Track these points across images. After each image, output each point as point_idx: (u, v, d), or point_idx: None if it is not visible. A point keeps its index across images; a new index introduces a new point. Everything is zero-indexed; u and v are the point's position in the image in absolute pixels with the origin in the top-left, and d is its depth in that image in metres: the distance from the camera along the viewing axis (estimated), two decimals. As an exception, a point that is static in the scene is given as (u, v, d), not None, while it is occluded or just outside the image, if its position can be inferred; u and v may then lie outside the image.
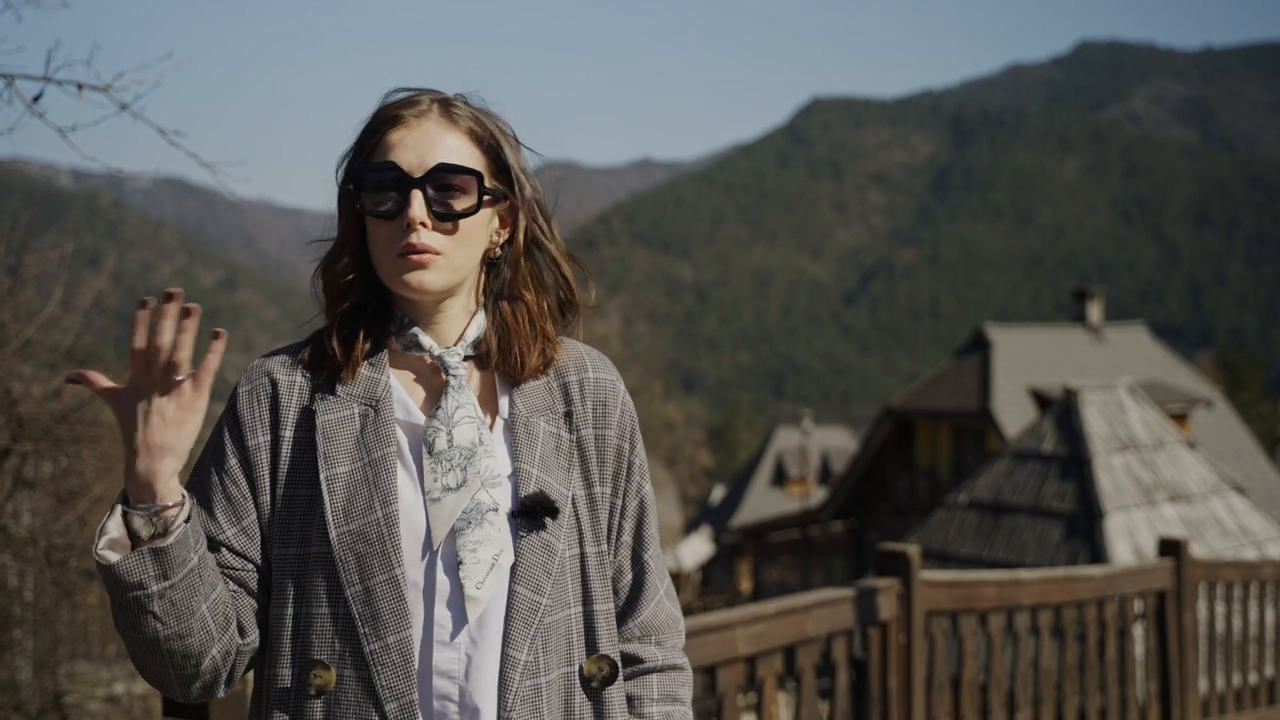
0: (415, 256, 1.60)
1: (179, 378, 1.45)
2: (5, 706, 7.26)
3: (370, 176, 1.62)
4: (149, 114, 4.18)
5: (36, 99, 3.90)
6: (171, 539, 1.46)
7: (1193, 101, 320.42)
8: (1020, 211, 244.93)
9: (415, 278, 1.61)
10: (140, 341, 1.42)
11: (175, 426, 1.46)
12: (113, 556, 1.45)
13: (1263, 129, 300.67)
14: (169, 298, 1.41)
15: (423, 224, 1.61)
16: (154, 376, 1.44)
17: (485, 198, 1.66)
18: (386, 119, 1.66)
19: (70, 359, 7.90)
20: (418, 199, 1.61)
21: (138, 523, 1.47)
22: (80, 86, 3.92)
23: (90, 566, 7.31)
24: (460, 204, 1.64)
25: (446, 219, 1.63)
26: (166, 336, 1.42)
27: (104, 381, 1.47)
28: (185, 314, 1.42)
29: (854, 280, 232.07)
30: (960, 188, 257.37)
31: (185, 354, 1.44)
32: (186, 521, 1.49)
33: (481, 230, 1.68)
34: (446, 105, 1.69)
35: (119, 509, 1.48)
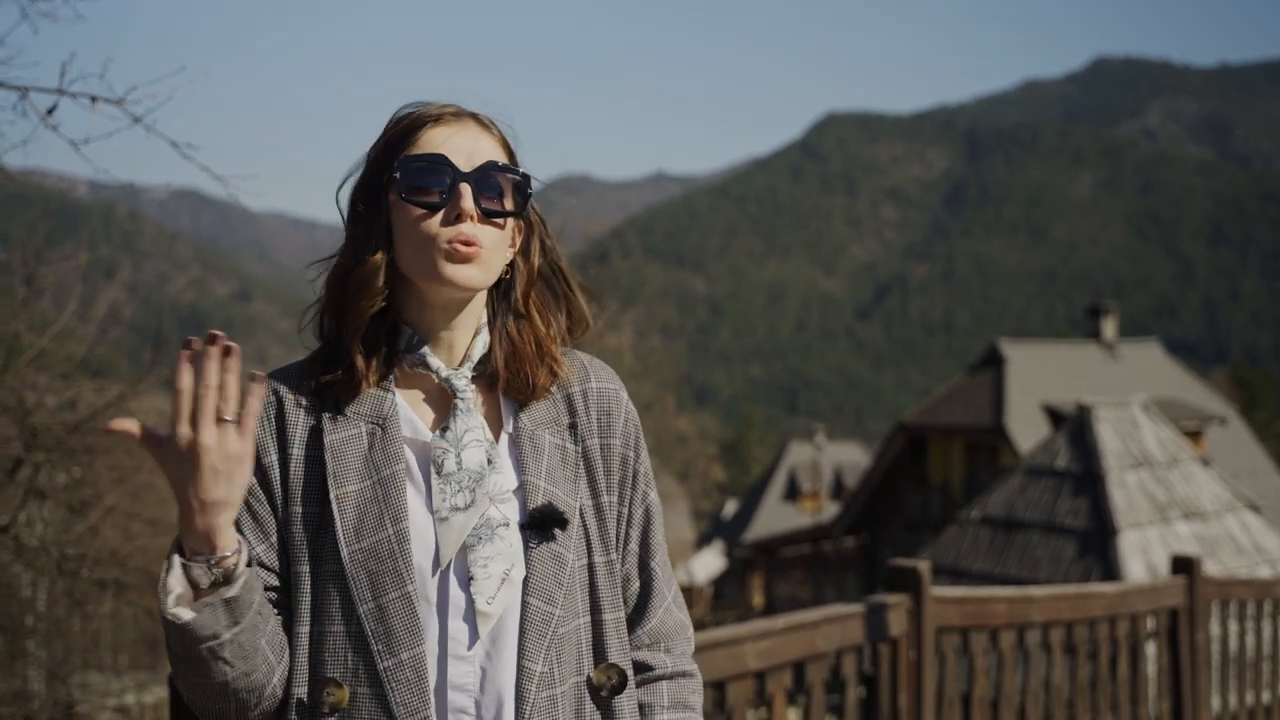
0: (464, 249, 1.59)
1: (226, 418, 1.43)
2: (17, 716, 7.27)
3: (417, 166, 1.61)
4: (162, 126, 4.20)
5: (50, 111, 3.93)
6: (239, 586, 1.47)
7: (1208, 118, 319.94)
8: (1035, 227, 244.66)
9: (460, 271, 1.60)
10: (185, 382, 1.41)
11: (226, 479, 1.44)
12: (185, 614, 1.45)
13: (1279, 145, 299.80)
14: (213, 339, 1.40)
15: (471, 217, 1.60)
16: (199, 420, 1.42)
17: (530, 199, 1.68)
18: (425, 118, 1.66)
19: (84, 370, 7.93)
20: (468, 191, 1.60)
21: (197, 573, 1.46)
22: (94, 99, 3.94)
23: (102, 577, 7.33)
24: (507, 203, 1.65)
25: (494, 215, 1.63)
26: (212, 377, 1.41)
27: (147, 433, 1.44)
28: (227, 353, 1.42)
29: (868, 295, 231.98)
30: (975, 203, 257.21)
31: (231, 392, 1.43)
32: (249, 565, 1.50)
33: (509, 237, 1.69)
34: (476, 115, 1.70)
35: (177, 562, 1.46)
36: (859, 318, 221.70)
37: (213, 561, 1.46)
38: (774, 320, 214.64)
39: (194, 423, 1.42)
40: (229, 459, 1.43)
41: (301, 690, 1.58)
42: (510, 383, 1.69)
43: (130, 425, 1.41)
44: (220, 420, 1.43)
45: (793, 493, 45.71)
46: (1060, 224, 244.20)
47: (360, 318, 1.63)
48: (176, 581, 1.46)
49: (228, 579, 1.47)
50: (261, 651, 1.52)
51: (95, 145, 4.15)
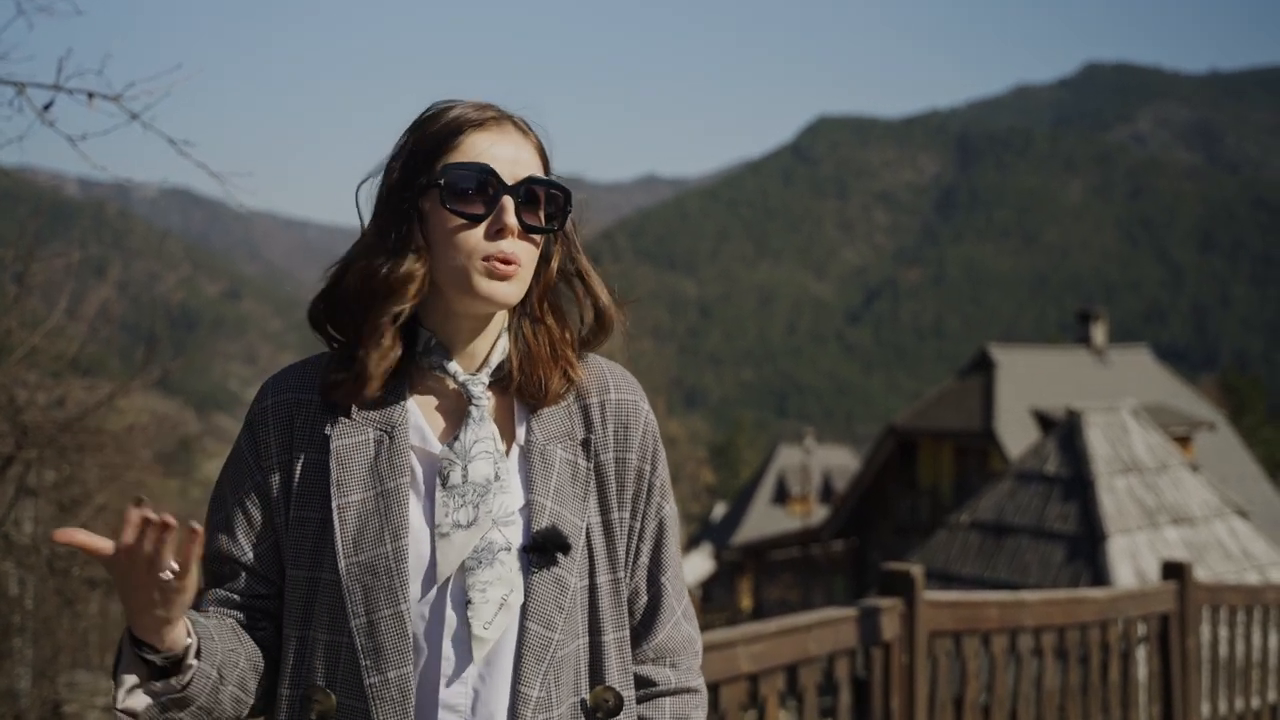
0: (503, 267, 1.56)
1: (164, 576, 1.36)
2: (5, 715, 7.25)
3: (462, 175, 1.57)
4: (158, 124, 4.17)
5: (47, 107, 3.90)
6: (188, 681, 1.45)
7: (1199, 124, 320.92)
8: (1025, 232, 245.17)
9: (499, 289, 1.57)
10: (126, 539, 1.34)
11: (165, 605, 1.39)
12: (137, 705, 1.43)
13: (1268, 152, 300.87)
14: (145, 522, 1.33)
15: (512, 232, 1.57)
16: (136, 564, 1.35)
17: (569, 213, 1.64)
18: (466, 121, 1.60)
19: (75, 368, 7.90)
20: (511, 206, 1.57)
21: (150, 658, 1.44)
22: (91, 95, 3.91)
23: (92, 575, 7.30)
24: (547, 218, 1.61)
25: (534, 231, 1.60)
26: (147, 545, 1.34)
27: (98, 544, 1.36)
28: (164, 527, 1.33)
29: (858, 299, 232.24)
30: (966, 208, 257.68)
31: (167, 555, 1.35)
32: (198, 656, 1.47)
33: (541, 249, 1.65)
34: (514, 119, 1.65)
35: (130, 654, 1.44)
36: (849, 322, 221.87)
37: (163, 653, 1.44)
38: (764, 324, 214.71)
39: (131, 573, 1.36)
40: (169, 591, 1.38)
41: (288, 694, 1.57)
42: (524, 386, 1.65)
43: (78, 538, 1.34)
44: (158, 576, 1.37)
45: (782, 496, 45.72)
46: (1051, 229, 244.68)
47: (384, 322, 1.58)
48: (130, 677, 1.44)
49: (179, 667, 1.45)
50: (228, 697, 1.52)
51: (88, 142, 4.13)
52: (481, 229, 1.57)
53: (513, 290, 1.58)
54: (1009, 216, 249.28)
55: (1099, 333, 28.79)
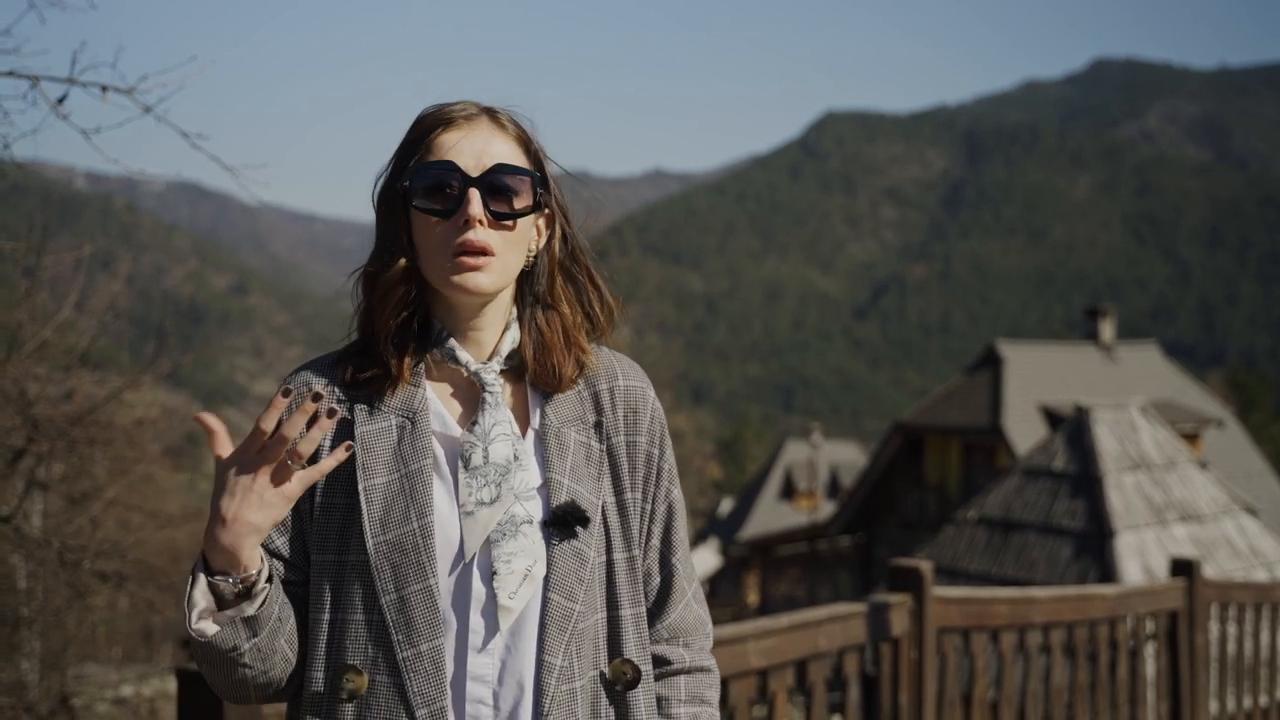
0: (469, 258, 1.62)
1: (292, 465, 1.47)
2: (15, 707, 7.27)
3: (425, 174, 1.63)
4: (169, 117, 4.17)
5: (61, 101, 3.92)
6: (260, 604, 1.53)
7: (1207, 120, 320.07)
8: (1033, 228, 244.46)
9: (470, 279, 1.63)
10: (268, 424, 1.46)
11: (267, 509, 1.49)
12: (209, 629, 1.51)
13: (1276, 149, 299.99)
14: (317, 398, 1.46)
15: (480, 222, 1.62)
16: (266, 457, 1.47)
17: (540, 198, 1.69)
18: (437, 121, 1.67)
19: (85, 362, 7.93)
20: (475, 197, 1.62)
21: (222, 588, 1.51)
22: (105, 89, 3.93)
23: (102, 569, 7.33)
24: (517, 204, 1.66)
25: (503, 218, 1.65)
26: (294, 429, 1.45)
27: (223, 440, 1.48)
28: (330, 414, 1.47)
29: (865, 295, 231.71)
30: (973, 203, 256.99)
31: (308, 450, 1.48)
32: (269, 582, 1.55)
33: (527, 234, 1.71)
34: (493, 112, 1.72)
35: (202, 578, 1.51)
36: (856, 317, 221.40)
37: (236, 579, 1.51)
38: (771, 319, 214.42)
39: (261, 455, 1.47)
40: (279, 494, 1.49)
41: (321, 676, 1.61)
42: (538, 373, 1.72)
43: (214, 424, 1.46)
44: (288, 465, 1.48)
45: (789, 491, 45.67)
46: (1058, 225, 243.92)
47: (388, 320, 1.67)
48: (201, 596, 1.52)
49: (249, 593, 1.53)
50: (280, 651, 1.59)
51: (100, 135, 4.14)
52: (451, 222, 1.63)
53: (486, 279, 1.64)
54: (1016, 212, 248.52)
55: (1107, 329, 28.75)
